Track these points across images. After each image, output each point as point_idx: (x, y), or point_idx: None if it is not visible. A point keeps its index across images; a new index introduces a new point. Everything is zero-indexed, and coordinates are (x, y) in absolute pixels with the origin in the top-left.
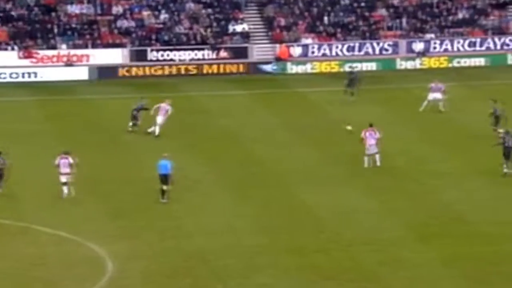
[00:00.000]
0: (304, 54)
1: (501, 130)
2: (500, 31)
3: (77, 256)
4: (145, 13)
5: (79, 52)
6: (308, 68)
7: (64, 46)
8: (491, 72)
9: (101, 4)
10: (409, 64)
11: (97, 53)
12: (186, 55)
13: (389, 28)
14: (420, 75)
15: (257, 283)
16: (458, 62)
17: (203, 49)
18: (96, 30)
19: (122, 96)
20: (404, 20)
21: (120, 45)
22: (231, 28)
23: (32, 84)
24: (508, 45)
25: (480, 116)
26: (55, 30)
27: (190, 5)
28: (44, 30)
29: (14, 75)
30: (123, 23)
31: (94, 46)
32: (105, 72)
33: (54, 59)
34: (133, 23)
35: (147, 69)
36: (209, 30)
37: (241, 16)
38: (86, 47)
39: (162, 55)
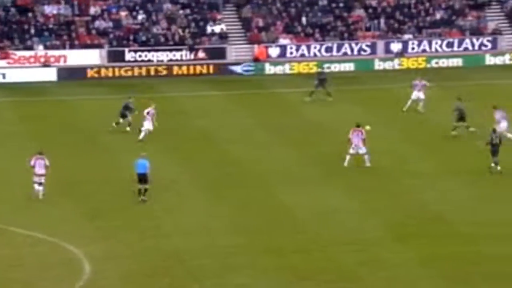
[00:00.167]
0: (282, 54)
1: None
2: (477, 32)
3: (54, 258)
4: (123, 13)
5: (56, 53)
6: (286, 68)
7: (41, 47)
8: (468, 72)
9: (78, 5)
10: (387, 65)
11: (74, 54)
12: (164, 55)
13: (367, 29)
14: (398, 75)
15: (234, 284)
16: (436, 63)
17: (181, 49)
18: (73, 30)
19: (97, 97)
20: (382, 20)
21: (98, 45)
22: (209, 28)
23: (4, 85)
24: (485, 45)
25: None
26: (32, 31)
27: (168, 6)
28: (21, 31)
29: None
30: (101, 24)
31: (72, 46)
32: (74, 73)
33: (31, 59)
34: (110, 24)
35: (122, 70)
36: (186, 30)
37: (218, 17)
38: (63, 47)
39: (140, 56)
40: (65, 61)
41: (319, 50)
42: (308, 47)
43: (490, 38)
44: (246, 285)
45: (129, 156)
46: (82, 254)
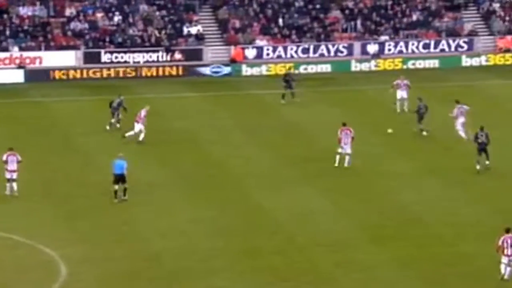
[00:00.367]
0: (259, 56)
1: (424, 133)
2: (453, 33)
3: (30, 260)
4: (99, 15)
5: (31, 54)
6: (263, 70)
7: (16, 48)
8: (445, 73)
9: (53, 6)
10: (363, 66)
11: (50, 55)
12: (140, 57)
13: (344, 30)
14: (375, 76)
15: (213, 286)
16: (413, 64)
17: (157, 51)
18: (49, 32)
19: (74, 99)
20: (358, 22)
21: (74, 47)
22: (185, 30)
23: None
24: (462, 47)
25: (434, 118)
26: (7, 32)
27: (144, 7)
28: None
29: None
30: (76, 25)
31: (47, 48)
32: (37, 75)
33: (6, 61)
34: (86, 25)
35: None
36: (163, 32)
37: (195, 18)
38: (39, 49)
39: (116, 57)
40: (40, 62)
41: (296, 52)
42: (285, 49)
43: (466, 40)
44: (225, 287)
45: (106, 157)
46: (58, 257)
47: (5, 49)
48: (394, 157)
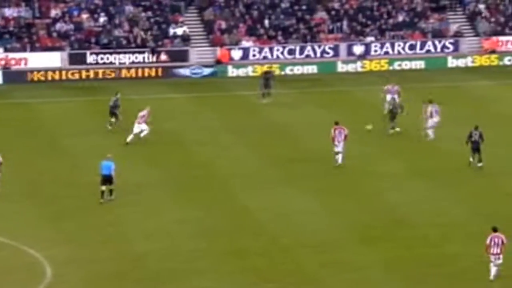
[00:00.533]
0: (245, 57)
1: (398, 129)
2: (439, 34)
3: (15, 262)
4: (84, 16)
5: (17, 55)
6: (249, 71)
7: (1, 49)
8: (431, 74)
9: (38, 7)
10: (349, 67)
11: (35, 57)
12: (126, 58)
13: (330, 31)
14: (361, 77)
15: (198, 287)
16: (399, 65)
17: (143, 52)
18: (34, 33)
19: (59, 100)
20: (344, 23)
21: (59, 48)
22: (171, 31)
23: None
24: (448, 48)
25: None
26: None
27: (129, 8)
28: None
29: None
30: (62, 26)
31: (32, 49)
32: (13, 76)
33: None
34: (71, 26)
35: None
36: (149, 33)
37: (181, 19)
38: (24, 50)
39: (102, 58)
40: (26, 63)
41: (282, 53)
42: (271, 50)
43: (452, 41)
44: None
45: (93, 159)
46: (43, 258)
47: None
48: (381, 157)
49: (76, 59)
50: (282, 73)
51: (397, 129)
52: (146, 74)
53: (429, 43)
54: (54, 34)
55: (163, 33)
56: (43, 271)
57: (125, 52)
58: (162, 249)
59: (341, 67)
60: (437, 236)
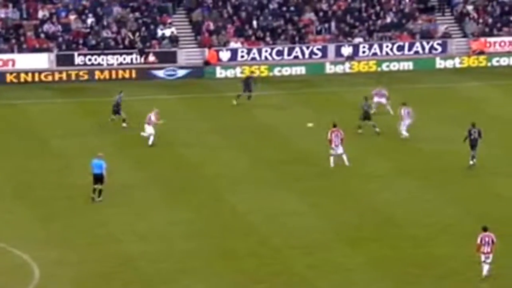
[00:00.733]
0: (233, 58)
1: (360, 131)
2: (428, 35)
3: (3, 263)
4: (72, 17)
5: (4, 56)
6: (237, 72)
7: None
8: (419, 76)
9: (26, 9)
10: (338, 68)
11: (23, 58)
12: (114, 59)
13: (318, 32)
14: (349, 79)
15: None
16: (387, 66)
17: (131, 53)
18: (22, 34)
19: (47, 101)
20: (332, 24)
21: (47, 49)
22: (159, 32)
23: None
24: (436, 49)
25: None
26: None
27: (117, 9)
28: None
29: None
30: (49, 28)
31: (20, 50)
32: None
33: None
34: (59, 28)
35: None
36: (137, 34)
37: (169, 20)
38: (11, 51)
39: (90, 60)
40: (13, 65)
41: (270, 54)
42: (259, 51)
43: (440, 42)
44: None
45: (83, 160)
46: (32, 259)
47: None
48: (370, 158)
49: (64, 60)
50: (271, 74)
51: (377, 129)
52: (120, 76)
53: (417, 44)
54: (42, 36)
55: (151, 34)
56: (31, 272)
57: (113, 54)
58: (152, 251)
59: (329, 68)
60: (426, 236)
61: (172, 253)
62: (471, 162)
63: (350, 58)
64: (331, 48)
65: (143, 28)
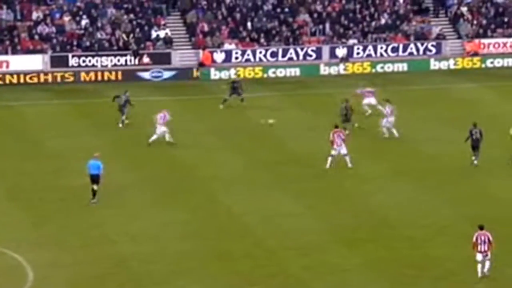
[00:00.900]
0: (227, 59)
1: (347, 132)
2: (422, 37)
3: None
4: (66, 18)
5: None
6: (231, 73)
7: None
8: (413, 77)
9: (20, 10)
10: (332, 70)
11: (17, 59)
12: (108, 61)
13: (312, 34)
14: (344, 80)
15: None
16: (381, 68)
17: (125, 55)
18: (16, 36)
19: (41, 103)
20: (327, 25)
21: (41, 51)
22: (153, 33)
23: None
24: (430, 50)
25: (403, 121)
26: None
27: (112, 11)
28: None
29: None
30: (43, 29)
31: (14, 52)
32: None
33: None
34: (53, 29)
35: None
36: (131, 36)
37: (163, 22)
38: (5, 53)
39: (84, 61)
40: (7, 66)
41: (265, 55)
42: (254, 52)
43: (434, 43)
44: None
45: (77, 161)
46: (26, 261)
47: None
48: (365, 160)
49: (58, 61)
50: (265, 75)
51: (346, 131)
52: (105, 78)
53: (412, 45)
54: (36, 37)
55: (145, 36)
56: (25, 275)
57: (107, 55)
58: (147, 252)
59: (323, 70)
60: (422, 238)
61: (166, 255)
62: (475, 162)
63: (344, 59)
64: (326, 49)
65: (137, 30)
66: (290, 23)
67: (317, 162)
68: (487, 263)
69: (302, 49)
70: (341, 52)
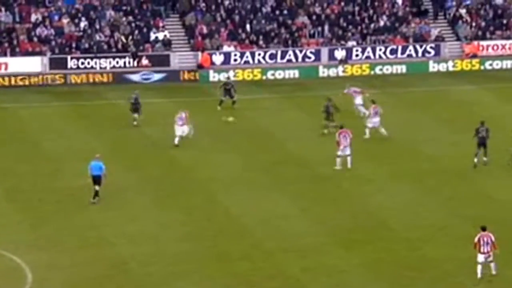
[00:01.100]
0: (226, 62)
1: (333, 125)
2: (421, 39)
3: None
4: (65, 20)
5: None
6: (230, 76)
7: None
8: (412, 79)
9: (19, 12)
10: (331, 72)
11: (16, 61)
12: (107, 63)
13: (311, 36)
14: (342, 82)
15: None
16: (380, 70)
17: (124, 57)
18: (14, 38)
19: (39, 105)
20: (326, 27)
21: (39, 53)
22: (152, 36)
23: None
24: (429, 52)
25: (402, 123)
26: None
27: (110, 13)
28: None
29: None
30: (42, 31)
31: (13, 54)
32: None
33: None
34: (52, 31)
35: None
36: (130, 38)
37: (162, 24)
38: (4, 55)
39: (83, 63)
40: (6, 68)
41: (263, 57)
42: (252, 54)
43: (433, 45)
44: None
45: (75, 163)
46: (24, 263)
47: None
48: (363, 161)
49: (57, 63)
50: (264, 77)
51: (325, 131)
52: (96, 80)
53: (411, 47)
54: (35, 39)
55: (144, 38)
56: (24, 276)
57: (106, 57)
58: (144, 253)
59: (322, 72)
60: (420, 239)
61: (164, 256)
62: (485, 159)
63: (343, 61)
64: (325, 51)
65: (136, 32)
66: (289, 25)
67: (315, 164)
68: (492, 265)
69: (301, 51)
70: (340, 54)
